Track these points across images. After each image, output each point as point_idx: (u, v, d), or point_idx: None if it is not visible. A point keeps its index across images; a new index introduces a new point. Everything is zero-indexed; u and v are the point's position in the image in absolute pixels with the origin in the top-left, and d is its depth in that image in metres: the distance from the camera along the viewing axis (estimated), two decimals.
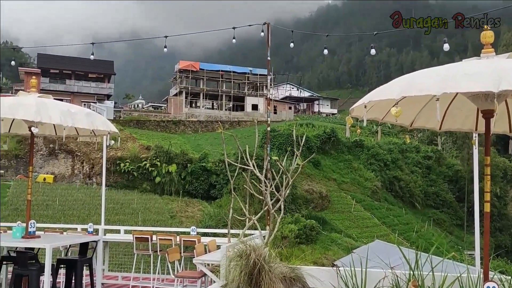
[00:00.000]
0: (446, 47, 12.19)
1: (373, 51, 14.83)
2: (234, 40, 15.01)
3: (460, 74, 3.82)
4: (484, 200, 4.46)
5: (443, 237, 38.54)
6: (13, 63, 22.28)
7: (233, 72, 70.67)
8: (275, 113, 66.66)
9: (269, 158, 10.17)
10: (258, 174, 7.35)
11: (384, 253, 8.56)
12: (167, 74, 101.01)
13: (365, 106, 4.27)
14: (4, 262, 8.46)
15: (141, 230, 11.11)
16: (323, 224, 33.40)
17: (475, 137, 5.64)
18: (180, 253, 9.24)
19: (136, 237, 10.05)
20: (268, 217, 8.88)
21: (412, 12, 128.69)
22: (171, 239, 9.94)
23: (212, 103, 70.76)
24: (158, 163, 37.82)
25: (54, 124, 7.78)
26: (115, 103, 70.02)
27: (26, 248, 7.81)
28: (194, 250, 8.09)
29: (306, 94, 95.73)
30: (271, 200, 7.56)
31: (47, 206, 30.87)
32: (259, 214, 7.56)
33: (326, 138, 46.75)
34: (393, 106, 3.95)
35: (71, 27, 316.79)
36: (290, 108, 75.15)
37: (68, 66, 65.07)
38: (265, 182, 7.41)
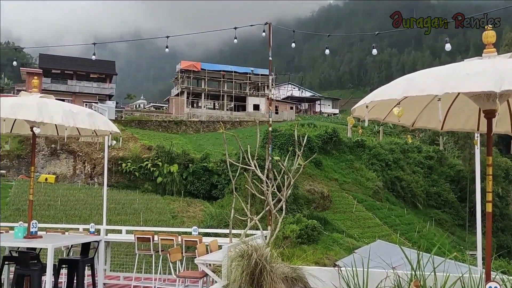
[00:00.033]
0: (448, 47, 12.19)
1: (374, 51, 14.82)
2: (235, 40, 15.02)
3: (462, 74, 3.82)
4: (486, 200, 4.46)
5: (445, 237, 38.48)
6: (15, 63, 22.40)
7: (235, 72, 70.69)
8: (276, 113, 66.65)
9: (270, 158, 10.18)
10: (260, 174, 7.35)
11: (386, 253, 8.55)
12: (169, 74, 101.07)
13: (367, 106, 4.27)
14: (6, 262, 8.47)
15: (143, 230, 11.11)
16: (324, 224, 33.38)
17: (477, 137, 5.64)
18: (182, 253, 9.24)
19: (137, 237, 10.06)
20: (270, 217, 8.88)
21: (414, 12, 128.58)
22: (172, 239, 9.94)
23: (214, 103, 70.80)
24: (160, 163, 37.84)
25: (56, 124, 7.79)
26: (116, 103, 70.10)
27: (28, 248, 7.82)
28: (196, 250, 8.09)
29: (307, 94, 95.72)
30: (273, 200, 7.56)
31: (49, 206, 30.91)
32: (261, 214, 7.56)
33: (327, 138, 46.72)
34: (394, 106, 3.95)
35: (73, 27, 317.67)
36: (291, 108, 75.14)
37: (70, 66, 65.16)
38: (266, 182, 7.42)
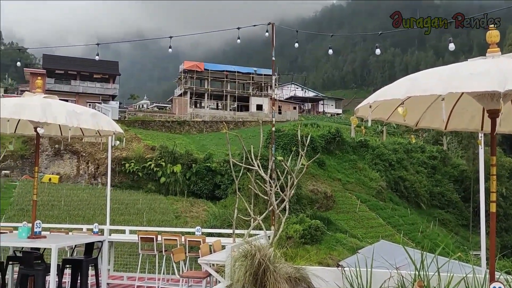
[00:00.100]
0: (451, 46, 12.16)
1: (378, 51, 14.81)
2: (238, 41, 15.03)
3: (465, 74, 3.80)
4: (490, 200, 4.45)
5: (449, 237, 38.39)
6: (18, 64, 22.44)
7: (238, 72, 70.70)
8: (279, 113, 66.61)
9: (274, 158, 10.18)
10: (263, 174, 7.35)
11: (389, 254, 8.55)
12: (172, 74, 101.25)
13: (370, 106, 4.26)
14: (10, 262, 8.50)
15: (146, 230, 11.12)
16: (328, 224, 33.36)
17: (481, 137, 5.62)
18: (185, 253, 9.24)
19: (141, 237, 10.07)
20: (273, 217, 8.87)
21: (417, 12, 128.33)
22: (176, 239, 9.94)
23: (217, 103, 70.83)
24: (163, 164, 37.89)
25: (59, 125, 7.81)
26: (120, 103, 70.19)
27: (32, 248, 7.84)
28: (199, 250, 8.09)
29: (310, 94, 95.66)
30: (276, 200, 7.56)
31: (53, 206, 30.99)
32: (264, 214, 7.56)
33: (331, 138, 46.69)
34: (398, 106, 3.94)
35: (73, 27, 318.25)
36: (294, 108, 75.11)
37: (73, 66, 65.31)
38: (270, 182, 7.41)
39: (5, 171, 37.89)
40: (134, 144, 41.59)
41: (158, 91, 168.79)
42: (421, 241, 33.55)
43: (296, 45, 15.38)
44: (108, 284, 9.55)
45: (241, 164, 8.16)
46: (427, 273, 4.77)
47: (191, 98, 66.19)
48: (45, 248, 8.09)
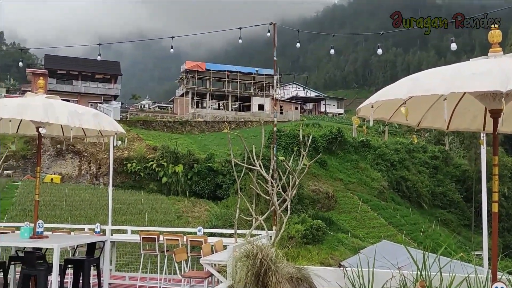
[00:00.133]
0: (453, 46, 12.14)
1: (379, 51, 14.79)
2: (240, 40, 15.03)
3: (467, 74, 3.80)
4: (492, 200, 4.44)
5: (451, 237, 38.35)
6: (20, 64, 22.46)
7: (239, 72, 70.70)
8: (281, 113, 66.61)
9: (275, 158, 10.18)
10: (265, 174, 7.35)
11: (391, 254, 8.53)
12: (174, 74, 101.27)
13: (372, 106, 4.26)
14: (12, 262, 8.51)
15: (148, 230, 11.13)
16: (329, 224, 33.34)
17: (483, 136, 5.62)
18: (187, 253, 9.26)
19: (143, 237, 10.08)
20: (275, 217, 8.88)
21: (419, 12, 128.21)
22: (178, 239, 9.95)
23: (218, 104, 70.84)
24: (165, 164, 37.91)
25: (61, 125, 7.82)
26: (121, 103, 70.27)
27: (34, 248, 7.85)
28: (201, 250, 8.10)
29: (312, 94, 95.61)
30: (278, 200, 7.56)
31: (55, 206, 31.03)
32: (266, 214, 7.56)
33: (332, 138, 46.67)
34: (400, 106, 3.94)
35: (73, 27, 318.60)
36: (296, 108, 75.09)
37: (75, 67, 65.39)
38: (271, 182, 7.42)
39: (7, 171, 37.95)
40: (136, 144, 41.63)
41: (159, 91, 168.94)
42: (423, 241, 33.50)
43: (298, 45, 15.39)
44: (110, 284, 9.56)
45: (243, 164, 8.16)
46: (429, 273, 4.77)
47: (192, 98, 66.22)
48: (47, 248, 8.10)
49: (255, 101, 69.56)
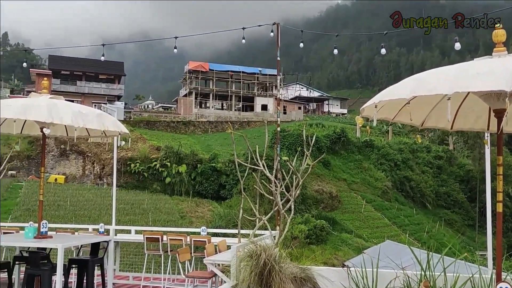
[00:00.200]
0: (457, 46, 12.12)
1: (383, 51, 14.77)
2: (243, 41, 15.01)
3: (471, 73, 3.79)
4: (496, 200, 4.43)
5: (455, 238, 38.25)
6: (24, 64, 22.54)
7: (243, 72, 70.71)
8: (284, 113, 66.58)
9: (279, 159, 10.18)
10: (268, 174, 7.35)
11: (395, 254, 8.53)
12: (177, 75, 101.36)
13: (376, 106, 4.25)
14: (16, 262, 8.54)
15: (152, 230, 11.14)
16: (333, 225, 33.31)
17: (487, 136, 5.60)
18: (191, 253, 9.25)
19: (146, 237, 10.09)
20: (278, 218, 8.87)
21: (422, 12, 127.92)
22: (181, 239, 9.96)
23: (222, 104, 70.87)
24: (168, 164, 37.96)
25: (65, 125, 7.84)
26: (125, 104, 70.40)
27: (38, 248, 7.88)
28: (205, 250, 8.10)
29: (315, 94, 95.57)
30: (281, 200, 7.55)
31: (59, 206, 31.11)
32: (269, 215, 7.55)
33: (336, 138, 46.63)
34: (403, 106, 3.93)
35: (80, 28, 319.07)
36: (299, 108, 75.05)
37: (79, 67, 65.56)
38: (275, 182, 7.41)
39: (12, 172, 38.07)
40: (140, 144, 41.71)
41: (162, 91, 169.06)
42: (427, 241, 33.44)
43: (301, 45, 15.35)
44: (114, 284, 9.57)
45: (246, 164, 8.16)
46: (433, 273, 4.76)
47: (196, 98, 66.27)
48: (51, 248, 8.12)
49: (259, 101, 69.55)
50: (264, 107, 69.23)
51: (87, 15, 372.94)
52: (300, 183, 7.23)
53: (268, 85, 70.81)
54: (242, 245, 5.85)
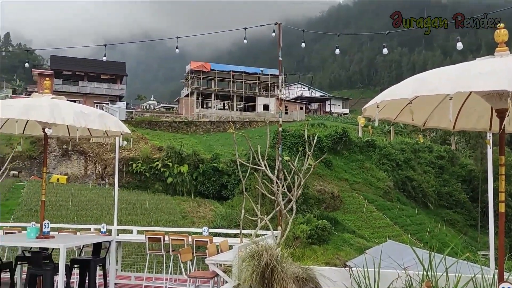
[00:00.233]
0: (459, 46, 12.10)
1: (385, 51, 14.77)
2: (245, 41, 15.03)
3: (473, 73, 3.78)
4: (498, 200, 4.42)
5: (457, 238, 38.19)
6: (26, 65, 22.59)
7: (244, 72, 70.73)
8: (286, 113, 66.57)
9: (280, 159, 10.18)
10: (270, 174, 7.35)
11: (397, 254, 8.51)
12: (179, 75, 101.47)
13: (378, 106, 4.25)
14: (19, 262, 8.56)
15: (154, 231, 11.15)
16: (335, 225, 33.28)
17: (489, 136, 5.60)
18: (193, 253, 9.26)
19: (148, 237, 10.10)
20: (280, 218, 8.87)
21: (424, 12, 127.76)
22: (183, 239, 9.97)
23: (223, 104, 70.90)
24: (170, 164, 37.98)
25: (67, 125, 7.85)
26: (127, 104, 70.47)
27: (40, 248, 7.89)
28: (206, 250, 8.11)
29: (317, 94, 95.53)
30: (283, 200, 7.56)
31: (61, 206, 31.14)
32: (271, 215, 7.56)
33: (337, 138, 46.59)
34: (405, 106, 3.93)
35: (81, 28, 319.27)
36: (301, 108, 75.02)
37: (81, 67, 65.66)
38: (277, 183, 7.41)
39: (14, 172, 38.15)
40: (141, 144, 41.73)
41: (164, 91, 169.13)
42: (429, 241, 33.37)
43: (303, 45, 15.37)
44: (116, 284, 9.58)
45: (248, 164, 8.16)
46: (435, 273, 4.76)
47: (197, 98, 66.30)
48: (53, 248, 8.13)
49: (260, 101, 69.56)
50: (266, 107, 69.23)
51: (87, 15, 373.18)
52: (302, 183, 7.22)
53: (269, 85, 70.83)
54: (244, 245, 5.85)
